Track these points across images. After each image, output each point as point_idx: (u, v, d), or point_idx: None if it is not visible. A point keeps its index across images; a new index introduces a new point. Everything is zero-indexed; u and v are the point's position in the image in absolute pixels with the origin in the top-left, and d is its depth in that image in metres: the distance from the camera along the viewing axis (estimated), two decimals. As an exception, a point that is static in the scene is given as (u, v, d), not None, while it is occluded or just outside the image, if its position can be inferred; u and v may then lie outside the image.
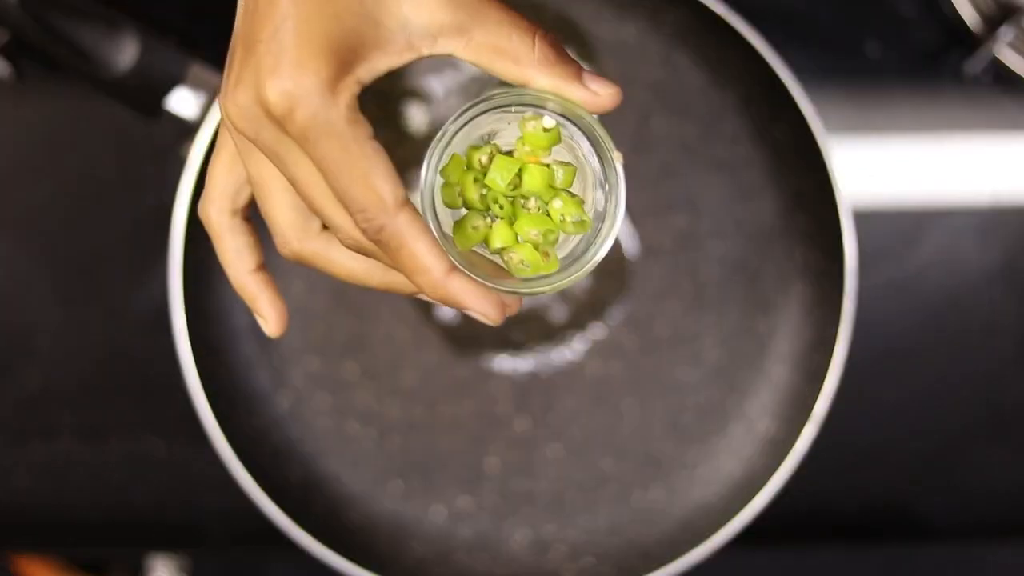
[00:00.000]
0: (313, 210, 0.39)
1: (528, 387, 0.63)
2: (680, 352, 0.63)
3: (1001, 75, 0.66)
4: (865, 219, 0.66)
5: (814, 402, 0.58)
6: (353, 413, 0.63)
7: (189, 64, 0.56)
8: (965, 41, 0.66)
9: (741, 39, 0.58)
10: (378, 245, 0.39)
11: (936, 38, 0.66)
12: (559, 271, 0.41)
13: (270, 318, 0.44)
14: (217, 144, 0.43)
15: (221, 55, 0.57)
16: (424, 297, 0.41)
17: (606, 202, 0.41)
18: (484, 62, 0.40)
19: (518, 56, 0.39)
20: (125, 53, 0.54)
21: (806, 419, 0.58)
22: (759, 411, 0.62)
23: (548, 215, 0.41)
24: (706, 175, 0.63)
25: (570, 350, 0.63)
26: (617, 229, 0.40)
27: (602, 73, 0.63)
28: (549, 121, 0.40)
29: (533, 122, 0.40)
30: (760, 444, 0.61)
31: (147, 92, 0.56)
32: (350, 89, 0.37)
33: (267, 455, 0.61)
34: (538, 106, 0.40)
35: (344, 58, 0.37)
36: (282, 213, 0.41)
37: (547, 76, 0.40)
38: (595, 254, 0.40)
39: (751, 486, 0.59)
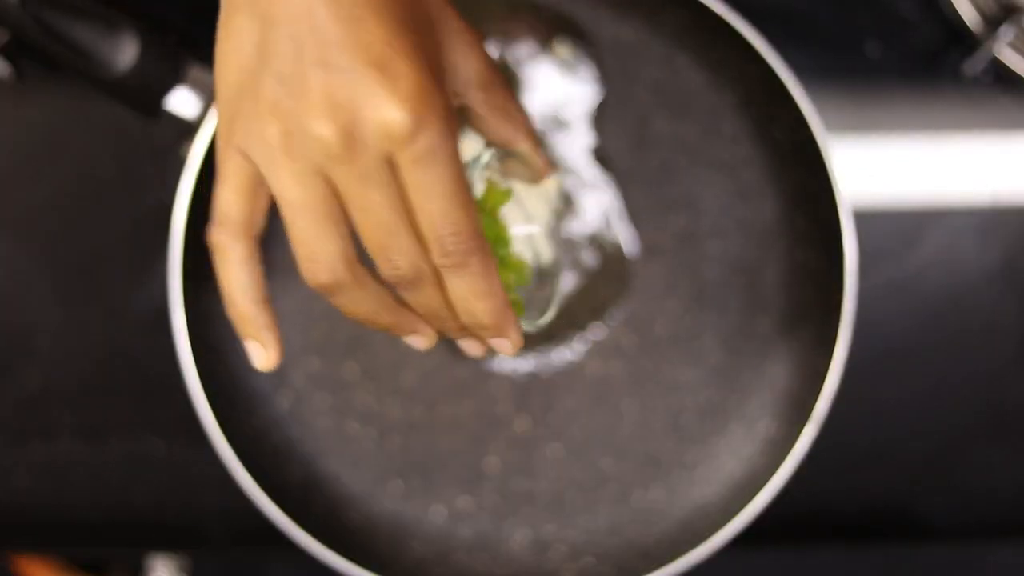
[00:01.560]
0: (380, 234, 0.39)
1: (528, 387, 0.63)
2: (680, 352, 0.63)
3: (1001, 75, 0.66)
4: (865, 219, 0.66)
5: (814, 402, 0.58)
6: (353, 413, 0.63)
7: (189, 64, 0.56)
8: (965, 41, 0.66)
9: (741, 39, 0.58)
10: (455, 270, 0.40)
11: (936, 38, 0.66)
12: (523, 319, 0.45)
13: (272, 348, 0.45)
14: (221, 173, 0.42)
15: (221, 55, 0.57)
16: (441, 332, 0.44)
17: (545, 283, 0.46)
18: (491, 119, 0.45)
19: (517, 121, 0.46)
20: (125, 53, 0.54)
21: (806, 419, 0.58)
22: (759, 411, 0.62)
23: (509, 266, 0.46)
24: (706, 175, 0.63)
25: (570, 350, 0.63)
26: (552, 313, 0.46)
27: (602, 73, 0.63)
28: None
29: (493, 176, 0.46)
30: (760, 444, 0.61)
31: (147, 92, 0.56)
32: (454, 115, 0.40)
33: (267, 455, 0.61)
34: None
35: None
36: (331, 241, 0.40)
37: (526, 142, 0.47)
38: (542, 317, 0.46)
39: (751, 486, 0.59)
